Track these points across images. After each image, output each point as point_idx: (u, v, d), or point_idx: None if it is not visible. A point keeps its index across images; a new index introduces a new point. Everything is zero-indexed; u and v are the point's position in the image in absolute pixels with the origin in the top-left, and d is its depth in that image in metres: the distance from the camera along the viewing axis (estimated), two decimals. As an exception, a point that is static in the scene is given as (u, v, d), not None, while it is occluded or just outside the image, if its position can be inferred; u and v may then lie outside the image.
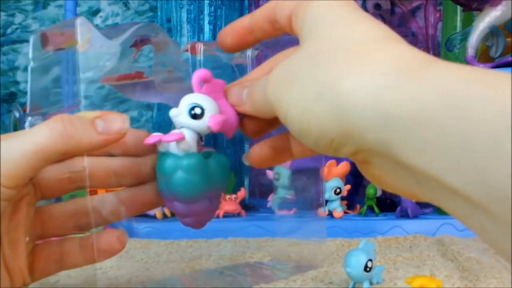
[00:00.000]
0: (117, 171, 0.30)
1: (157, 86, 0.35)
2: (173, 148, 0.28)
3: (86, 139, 0.25)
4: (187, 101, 0.28)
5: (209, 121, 0.27)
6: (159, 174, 0.28)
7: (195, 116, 0.27)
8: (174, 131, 0.28)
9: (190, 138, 0.28)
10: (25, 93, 0.99)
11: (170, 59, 0.34)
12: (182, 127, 0.28)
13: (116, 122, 0.26)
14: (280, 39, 0.26)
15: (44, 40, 0.30)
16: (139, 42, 0.32)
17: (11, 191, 0.24)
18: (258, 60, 0.39)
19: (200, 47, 0.39)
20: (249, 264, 0.47)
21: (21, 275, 0.28)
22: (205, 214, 0.30)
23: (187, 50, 0.40)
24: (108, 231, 0.30)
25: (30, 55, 0.30)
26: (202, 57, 0.39)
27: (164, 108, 0.78)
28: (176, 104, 0.27)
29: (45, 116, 0.30)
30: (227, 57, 0.40)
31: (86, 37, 0.29)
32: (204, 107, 0.27)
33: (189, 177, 0.27)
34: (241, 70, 0.39)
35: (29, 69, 0.30)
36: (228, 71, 0.39)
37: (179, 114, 0.27)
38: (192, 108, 0.27)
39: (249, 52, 0.37)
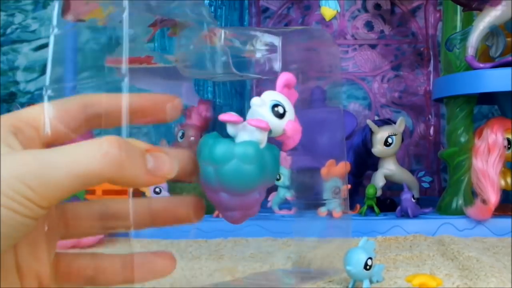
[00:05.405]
0: (153, 212, 0.28)
1: (181, 71, 0.32)
2: (242, 136, 0.26)
3: (134, 174, 0.22)
4: (271, 96, 0.27)
5: (287, 125, 0.26)
6: (207, 161, 0.26)
7: (276, 114, 0.26)
8: (258, 118, 0.26)
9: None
10: (25, 93, 0.99)
11: (194, 42, 0.31)
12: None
13: (165, 164, 0.23)
14: (294, 30, 0.24)
15: (65, 7, 0.27)
16: (159, 22, 0.30)
17: (42, 211, 0.21)
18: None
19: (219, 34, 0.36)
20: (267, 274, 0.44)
21: (36, 280, 0.24)
22: (252, 208, 0.28)
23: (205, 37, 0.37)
24: (161, 253, 0.28)
25: (54, 22, 0.27)
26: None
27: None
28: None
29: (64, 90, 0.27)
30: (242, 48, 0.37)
31: (107, 9, 0.26)
32: (286, 110, 0.26)
33: (245, 167, 0.25)
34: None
35: (51, 36, 0.27)
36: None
37: (262, 105, 0.26)
38: (276, 105, 0.26)
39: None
